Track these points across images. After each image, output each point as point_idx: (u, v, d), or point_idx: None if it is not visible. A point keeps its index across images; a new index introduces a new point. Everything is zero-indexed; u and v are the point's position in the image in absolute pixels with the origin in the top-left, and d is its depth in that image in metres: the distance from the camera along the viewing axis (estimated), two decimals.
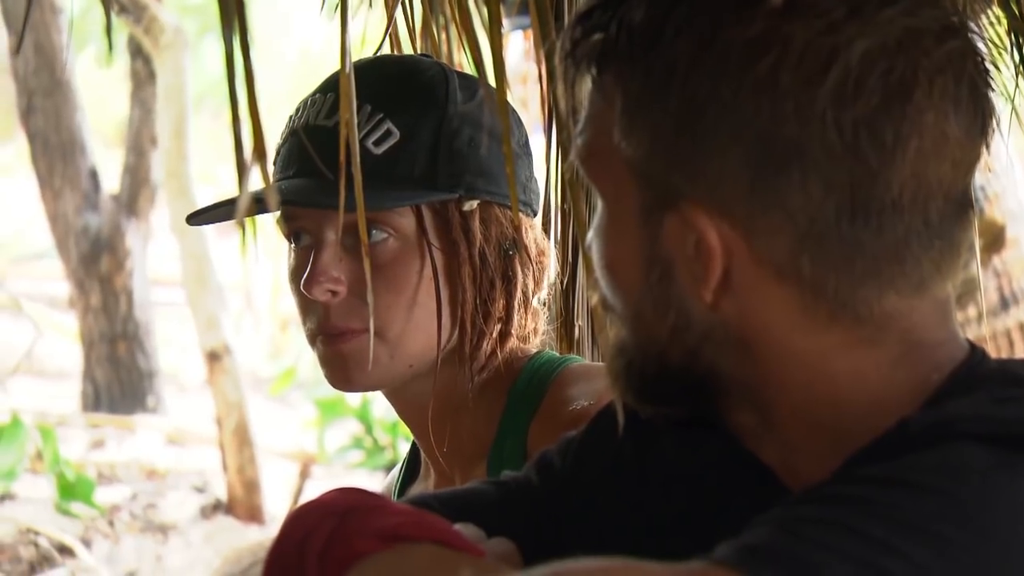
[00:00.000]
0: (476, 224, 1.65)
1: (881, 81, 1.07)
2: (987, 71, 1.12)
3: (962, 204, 1.12)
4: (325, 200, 1.54)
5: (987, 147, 1.12)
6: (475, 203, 1.65)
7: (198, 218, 1.68)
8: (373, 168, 1.61)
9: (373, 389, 1.68)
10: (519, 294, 1.68)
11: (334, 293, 1.63)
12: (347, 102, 1.21)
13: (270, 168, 1.12)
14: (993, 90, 1.12)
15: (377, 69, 1.72)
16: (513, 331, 1.68)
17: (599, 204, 1.17)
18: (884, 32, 1.08)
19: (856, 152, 1.07)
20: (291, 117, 1.70)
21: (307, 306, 1.65)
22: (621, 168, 1.13)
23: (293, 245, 1.67)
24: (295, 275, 1.65)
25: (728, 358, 1.13)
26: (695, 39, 1.09)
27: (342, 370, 1.64)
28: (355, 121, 1.20)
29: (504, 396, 1.67)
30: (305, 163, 1.64)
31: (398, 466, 1.85)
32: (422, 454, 1.76)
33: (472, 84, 1.69)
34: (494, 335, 1.67)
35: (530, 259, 1.69)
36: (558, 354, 1.73)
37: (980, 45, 1.12)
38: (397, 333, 1.63)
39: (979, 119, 1.11)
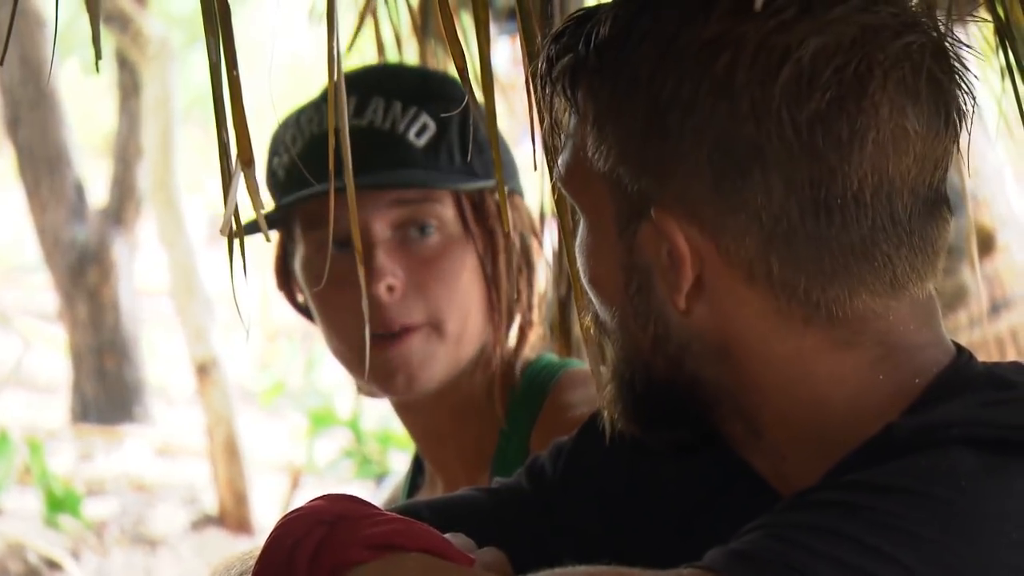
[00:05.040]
0: (508, 212, 1.68)
1: (834, 77, 1.07)
2: (952, 67, 1.11)
3: (934, 202, 1.12)
4: (419, 180, 1.59)
5: (955, 143, 1.12)
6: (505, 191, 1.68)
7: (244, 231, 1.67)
8: (418, 159, 1.64)
9: (430, 389, 1.66)
10: (537, 282, 1.71)
11: (391, 289, 1.62)
12: (340, 110, 1.21)
13: (260, 176, 1.12)
14: (961, 86, 1.12)
15: (393, 71, 1.77)
16: (535, 319, 1.70)
17: (581, 221, 1.18)
18: (838, 29, 1.08)
19: (813, 149, 1.08)
20: (301, 123, 1.68)
21: (353, 313, 1.61)
22: (596, 181, 1.14)
23: (332, 251, 1.64)
24: (340, 281, 1.61)
25: (709, 367, 1.13)
26: (657, 45, 1.10)
27: (405, 373, 1.63)
28: (347, 130, 1.20)
29: (505, 401, 1.68)
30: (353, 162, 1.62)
31: (391, 480, 1.86)
32: (426, 464, 1.76)
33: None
34: (521, 318, 1.70)
35: (540, 245, 1.73)
36: (557, 358, 1.74)
37: (949, 41, 1.12)
38: (457, 328, 1.64)
39: (942, 113, 1.11)
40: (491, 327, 1.68)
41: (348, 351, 1.67)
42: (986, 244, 4.34)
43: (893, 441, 1.07)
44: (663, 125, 1.10)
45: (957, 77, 1.12)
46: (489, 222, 1.68)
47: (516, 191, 1.71)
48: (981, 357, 1.17)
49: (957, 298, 3.92)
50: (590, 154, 1.13)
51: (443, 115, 1.66)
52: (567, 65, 1.14)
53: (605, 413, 1.20)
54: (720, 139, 1.08)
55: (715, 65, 1.08)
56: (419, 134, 1.66)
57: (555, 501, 1.27)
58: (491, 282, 1.67)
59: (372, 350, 1.63)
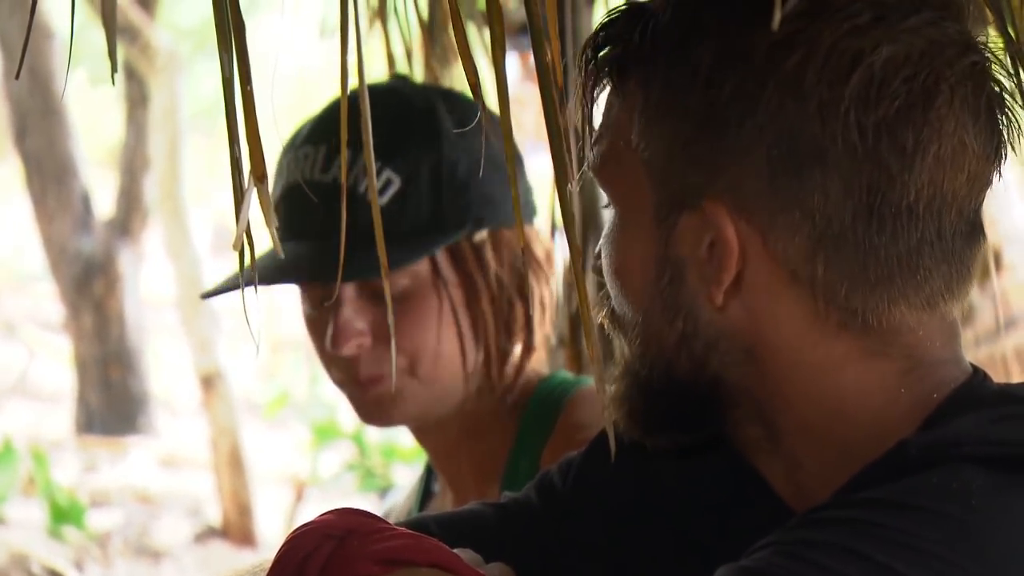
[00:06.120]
0: (488, 253, 1.65)
1: (904, 86, 1.08)
2: (1002, 94, 1.12)
3: (974, 224, 1.12)
4: (334, 272, 1.50)
5: (998, 168, 1.13)
6: (484, 232, 1.64)
7: (214, 292, 1.66)
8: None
9: (410, 422, 1.68)
10: (537, 306, 1.68)
11: (360, 346, 1.63)
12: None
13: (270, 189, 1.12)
14: (1006, 114, 1.13)
15: (373, 109, 1.70)
16: (536, 343, 1.68)
17: (612, 212, 1.18)
18: (908, 40, 1.09)
19: (876, 155, 1.08)
20: (284, 163, 1.66)
21: (331, 357, 1.65)
22: (637, 170, 1.14)
23: (308, 297, 1.66)
24: (316, 327, 1.65)
25: (735, 368, 1.13)
26: (721, 40, 1.10)
27: (377, 412, 1.66)
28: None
29: (517, 417, 1.67)
30: (309, 223, 1.62)
31: (396, 490, 1.85)
32: (438, 475, 1.76)
33: (458, 105, 1.68)
34: (517, 352, 1.67)
35: (543, 269, 1.70)
36: (572, 375, 1.73)
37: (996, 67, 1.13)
38: (428, 370, 1.63)
39: (994, 137, 1.12)
40: (483, 359, 1.66)
41: (337, 389, 1.70)
42: (993, 262, 4.34)
43: (905, 458, 1.08)
44: (723, 118, 1.10)
45: (1005, 103, 1.13)
46: (467, 267, 1.64)
47: (505, 225, 1.65)
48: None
49: (964, 316, 3.92)
50: (633, 144, 1.13)
51: (409, 168, 1.61)
52: (617, 53, 1.14)
53: (605, 413, 1.19)
54: (782, 136, 1.08)
55: (785, 63, 1.08)
56: (380, 192, 1.60)
57: (564, 515, 1.27)
58: (475, 325, 1.64)
59: (350, 392, 1.67)
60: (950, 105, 1.09)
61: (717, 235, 1.11)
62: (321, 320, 1.65)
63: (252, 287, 1.11)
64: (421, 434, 1.72)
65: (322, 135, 1.64)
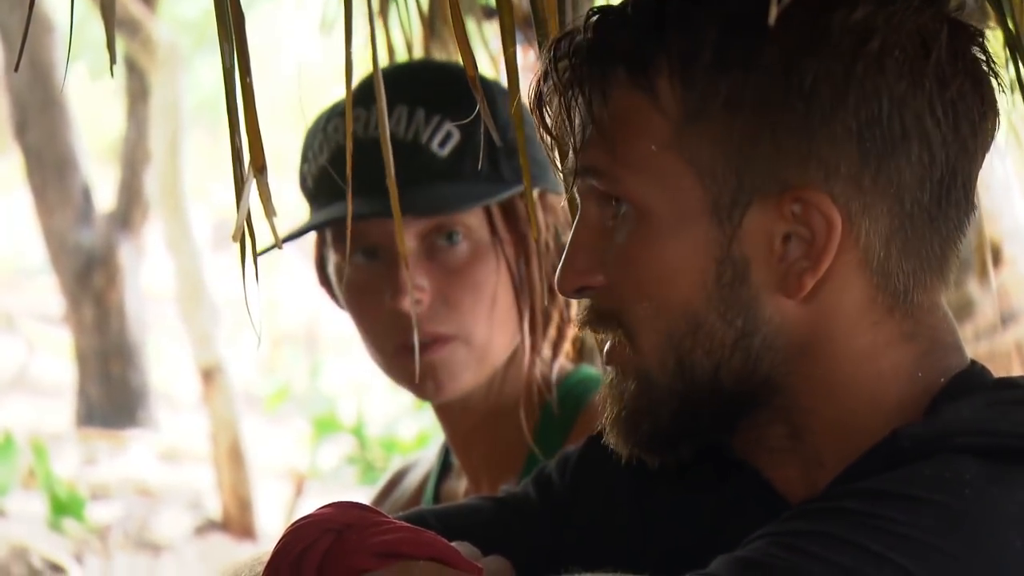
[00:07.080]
0: (540, 213, 1.66)
1: (962, 63, 1.11)
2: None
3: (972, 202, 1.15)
4: (437, 202, 1.56)
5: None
6: (536, 192, 1.66)
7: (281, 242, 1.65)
8: (441, 170, 1.62)
9: (461, 394, 1.66)
10: None
11: (418, 302, 1.62)
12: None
13: (272, 182, 1.11)
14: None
15: (419, 73, 1.72)
16: (573, 317, 1.68)
17: (629, 217, 1.12)
18: (955, 22, 1.12)
19: (957, 130, 1.10)
20: (329, 131, 1.66)
21: (382, 323, 1.64)
22: (679, 171, 1.10)
23: (361, 261, 1.65)
24: (369, 291, 1.63)
25: (783, 364, 1.11)
26: (791, 28, 1.07)
27: (433, 381, 1.63)
28: (387, 127, 1.17)
29: (538, 410, 1.67)
30: (369, 177, 1.61)
31: (417, 466, 1.84)
32: (454, 458, 1.75)
33: (493, 84, 1.70)
34: (557, 322, 1.67)
35: None
36: (595, 371, 1.71)
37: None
38: (484, 337, 1.63)
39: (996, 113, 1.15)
40: (524, 331, 1.66)
41: (381, 357, 1.68)
42: (993, 257, 4.34)
43: (898, 448, 1.08)
44: (806, 104, 1.08)
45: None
46: (520, 226, 1.65)
47: (553, 189, 1.68)
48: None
49: (963, 311, 3.91)
50: (670, 144, 1.10)
51: (468, 121, 1.62)
52: (630, 49, 1.11)
53: (610, 434, 1.17)
54: (872, 118, 1.09)
55: (867, 46, 1.08)
56: (443, 143, 1.63)
57: (561, 511, 1.26)
58: (522, 287, 1.65)
59: (402, 359, 1.63)
60: (989, 84, 1.12)
61: (814, 223, 1.08)
62: (372, 280, 1.63)
63: (254, 280, 1.10)
64: (444, 414, 1.71)
65: (370, 97, 1.64)
